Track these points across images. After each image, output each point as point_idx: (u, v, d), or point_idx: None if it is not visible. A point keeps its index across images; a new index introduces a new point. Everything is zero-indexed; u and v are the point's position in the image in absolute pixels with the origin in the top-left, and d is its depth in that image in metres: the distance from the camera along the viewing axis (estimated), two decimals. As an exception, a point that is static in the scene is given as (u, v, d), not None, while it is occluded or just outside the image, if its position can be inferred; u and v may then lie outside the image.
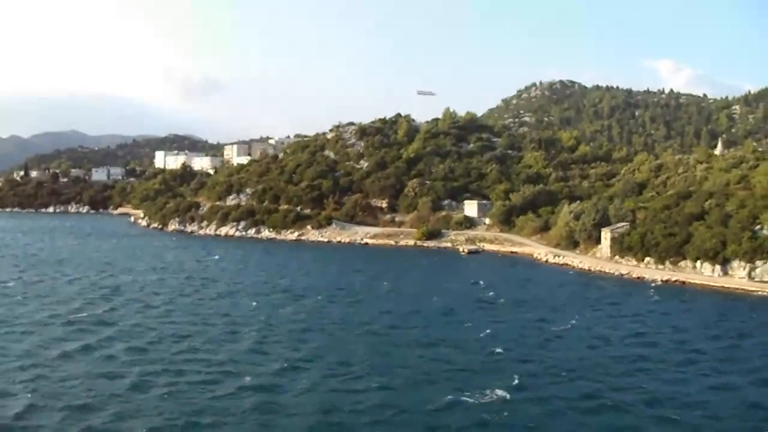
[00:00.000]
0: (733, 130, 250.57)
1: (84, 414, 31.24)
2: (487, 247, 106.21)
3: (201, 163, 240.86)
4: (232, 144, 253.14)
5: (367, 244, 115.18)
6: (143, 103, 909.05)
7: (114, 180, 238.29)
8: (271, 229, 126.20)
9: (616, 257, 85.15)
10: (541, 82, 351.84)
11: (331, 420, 31.16)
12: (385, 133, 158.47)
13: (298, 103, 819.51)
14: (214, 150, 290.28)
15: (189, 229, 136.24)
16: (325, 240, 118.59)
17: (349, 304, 59.55)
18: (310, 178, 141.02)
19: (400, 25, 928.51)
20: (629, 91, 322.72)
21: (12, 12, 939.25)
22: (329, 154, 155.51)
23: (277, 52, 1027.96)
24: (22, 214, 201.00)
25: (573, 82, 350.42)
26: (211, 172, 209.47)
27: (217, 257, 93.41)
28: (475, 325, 50.57)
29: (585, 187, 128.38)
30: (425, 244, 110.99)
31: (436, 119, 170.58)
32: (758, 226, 75.19)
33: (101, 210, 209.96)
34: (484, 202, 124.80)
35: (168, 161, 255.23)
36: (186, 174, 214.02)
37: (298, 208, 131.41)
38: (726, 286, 69.39)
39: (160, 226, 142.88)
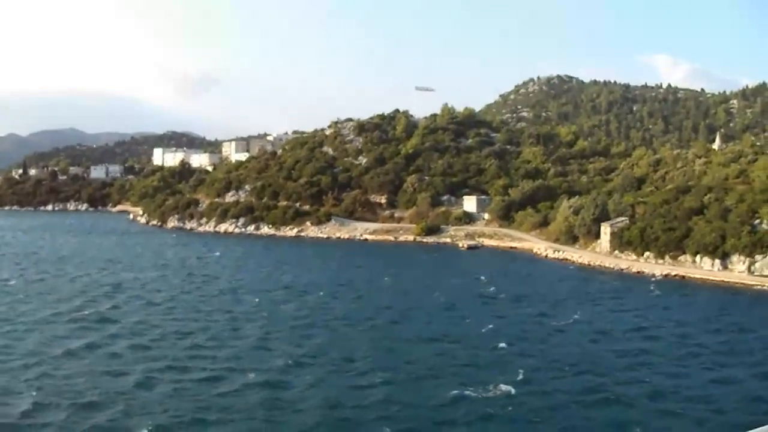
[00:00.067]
0: (731, 125, 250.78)
1: (90, 411, 31.34)
2: (487, 242, 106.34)
3: (199, 160, 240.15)
4: (231, 141, 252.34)
5: (366, 240, 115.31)
6: (141, 100, 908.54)
7: (112, 177, 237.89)
8: (270, 226, 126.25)
9: (616, 252, 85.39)
10: (538, 78, 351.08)
11: (337, 415, 31.34)
12: (384, 129, 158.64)
13: (296, 100, 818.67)
14: (213, 147, 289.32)
15: (188, 226, 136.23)
16: (325, 236, 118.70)
17: (351, 300, 59.79)
18: (308, 174, 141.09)
19: (399, 21, 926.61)
20: (627, 86, 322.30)
21: (10, 10, 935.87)
22: (328, 150, 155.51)
23: (274, 48, 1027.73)
24: (21, 212, 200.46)
25: (570, 77, 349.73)
26: (210, 168, 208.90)
27: (217, 254, 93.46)
28: (477, 320, 50.81)
29: (584, 182, 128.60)
30: (425, 240, 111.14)
31: (435, 115, 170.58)
32: (757, 221, 75.63)
33: (100, 207, 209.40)
34: (483, 197, 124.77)
35: (166, 158, 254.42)
36: (184, 171, 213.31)
37: (297, 205, 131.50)
38: (726, 280, 69.74)
39: (159, 224, 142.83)
